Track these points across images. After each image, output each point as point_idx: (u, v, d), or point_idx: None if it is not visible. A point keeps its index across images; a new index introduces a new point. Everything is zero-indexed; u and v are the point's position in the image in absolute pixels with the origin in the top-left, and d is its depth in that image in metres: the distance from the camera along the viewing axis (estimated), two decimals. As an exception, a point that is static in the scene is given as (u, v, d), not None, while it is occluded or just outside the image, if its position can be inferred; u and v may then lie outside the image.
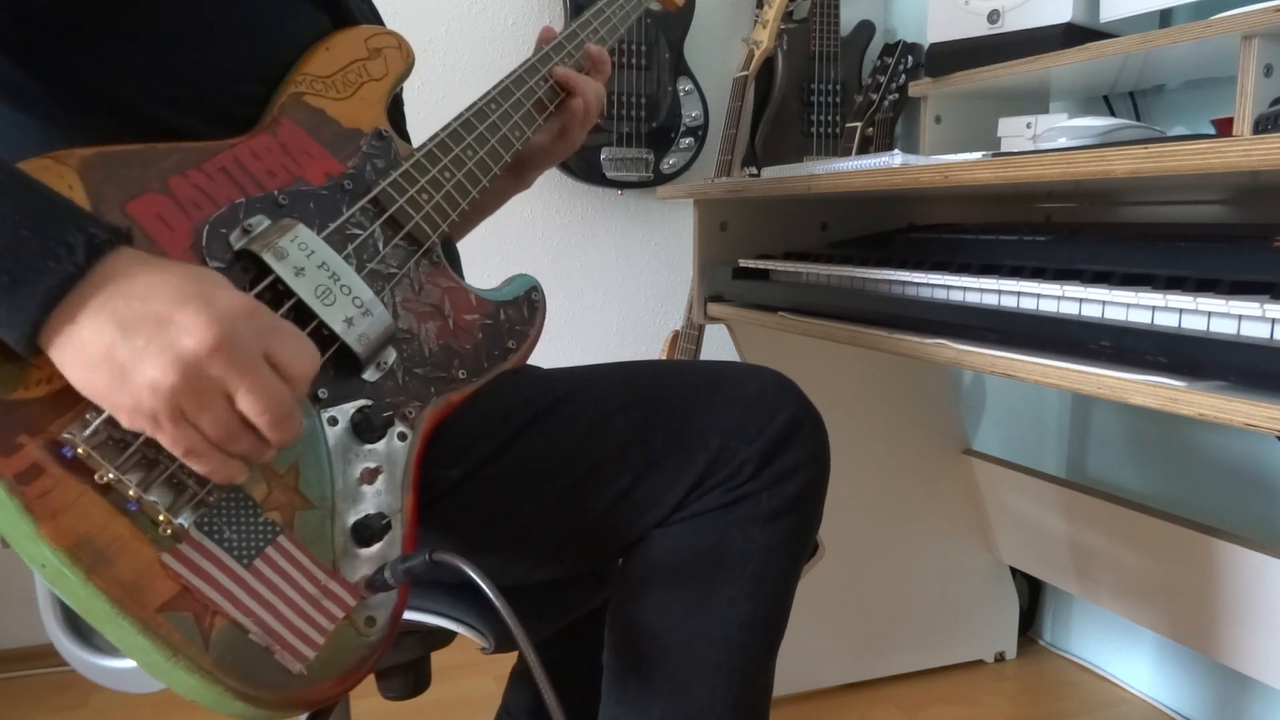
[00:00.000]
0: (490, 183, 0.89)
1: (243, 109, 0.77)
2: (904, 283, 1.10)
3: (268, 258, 0.68)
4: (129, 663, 0.72)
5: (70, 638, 0.76)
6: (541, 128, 0.98)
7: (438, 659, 0.94)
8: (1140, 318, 0.83)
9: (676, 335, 2.11)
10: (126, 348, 0.55)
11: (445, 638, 0.90)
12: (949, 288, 1.03)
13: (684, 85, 2.08)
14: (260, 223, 0.70)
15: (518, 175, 1.07)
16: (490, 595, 0.64)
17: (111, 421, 0.58)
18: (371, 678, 0.81)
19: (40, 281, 0.54)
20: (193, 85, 0.76)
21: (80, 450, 0.56)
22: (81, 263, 0.55)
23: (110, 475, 0.57)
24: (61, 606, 0.77)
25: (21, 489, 0.54)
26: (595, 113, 1.01)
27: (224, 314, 0.57)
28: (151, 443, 0.59)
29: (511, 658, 1.13)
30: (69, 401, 0.57)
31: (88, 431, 0.57)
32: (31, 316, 0.54)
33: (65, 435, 0.56)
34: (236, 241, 0.69)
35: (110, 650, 0.74)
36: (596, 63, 1.02)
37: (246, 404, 0.58)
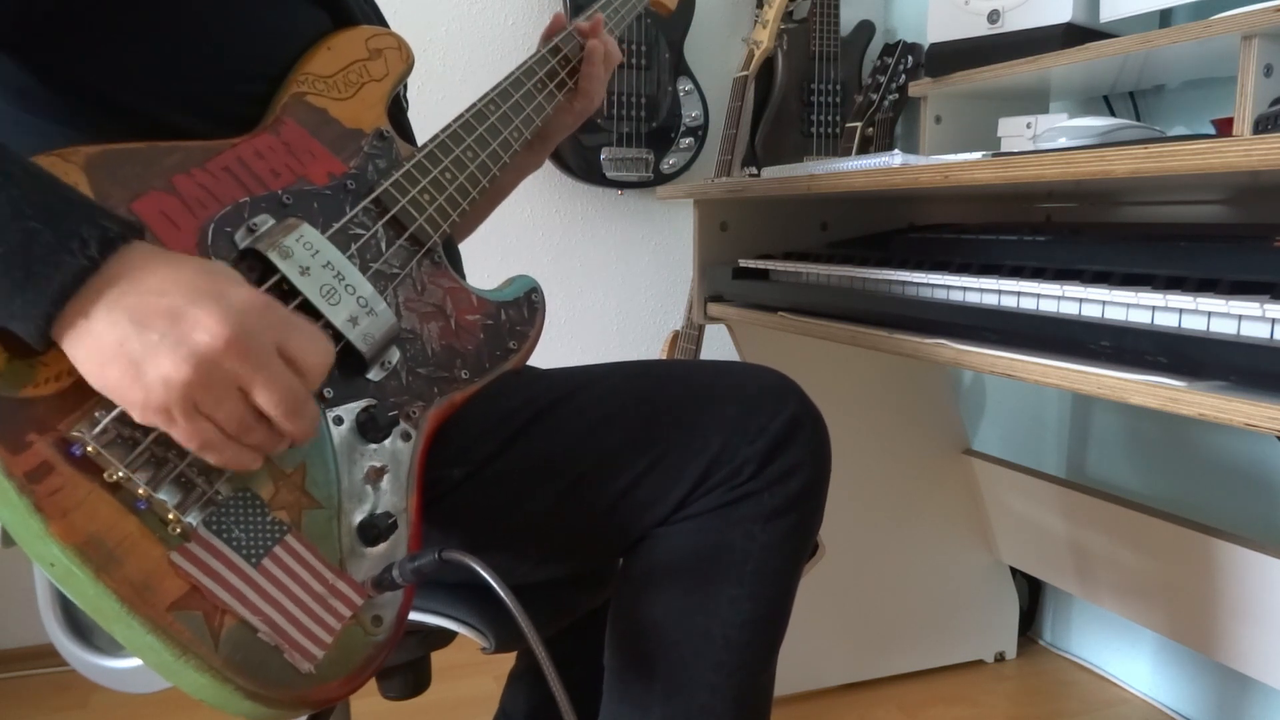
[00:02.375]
0: (490, 184, 0.89)
1: (242, 108, 0.77)
2: (904, 283, 1.10)
3: (273, 257, 0.68)
4: (129, 662, 0.72)
5: (70, 638, 0.76)
6: (551, 113, 0.99)
7: (438, 659, 0.94)
8: (1140, 318, 0.83)
9: (676, 335, 2.11)
10: (139, 342, 0.55)
11: (445, 638, 0.90)
12: (949, 288, 1.03)
13: (684, 85, 2.08)
14: (265, 222, 0.71)
15: (534, 149, 1.08)
16: (500, 593, 0.64)
17: (121, 420, 0.58)
18: (372, 678, 0.81)
19: (55, 276, 0.54)
20: (192, 84, 0.76)
21: (90, 449, 0.57)
22: (95, 256, 0.55)
23: (119, 474, 0.57)
24: (62, 606, 0.77)
25: (31, 487, 0.54)
26: (613, 61, 1.04)
27: (238, 309, 0.57)
28: (161, 441, 0.59)
29: (511, 658, 1.13)
30: (78, 399, 0.57)
31: (97, 430, 0.57)
32: (45, 310, 0.54)
33: (74, 433, 0.57)
34: (242, 240, 0.69)
35: (110, 650, 0.74)
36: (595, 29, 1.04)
37: (263, 399, 0.58)
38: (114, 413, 0.58)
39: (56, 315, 0.55)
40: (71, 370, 0.57)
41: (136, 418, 0.57)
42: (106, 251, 0.56)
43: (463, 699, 1.73)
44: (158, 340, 0.55)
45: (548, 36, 1.02)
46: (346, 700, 0.99)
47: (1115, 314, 0.85)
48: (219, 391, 0.57)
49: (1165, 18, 1.56)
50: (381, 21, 0.95)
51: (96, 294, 0.55)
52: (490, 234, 2.06)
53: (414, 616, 0.85)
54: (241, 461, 0.60)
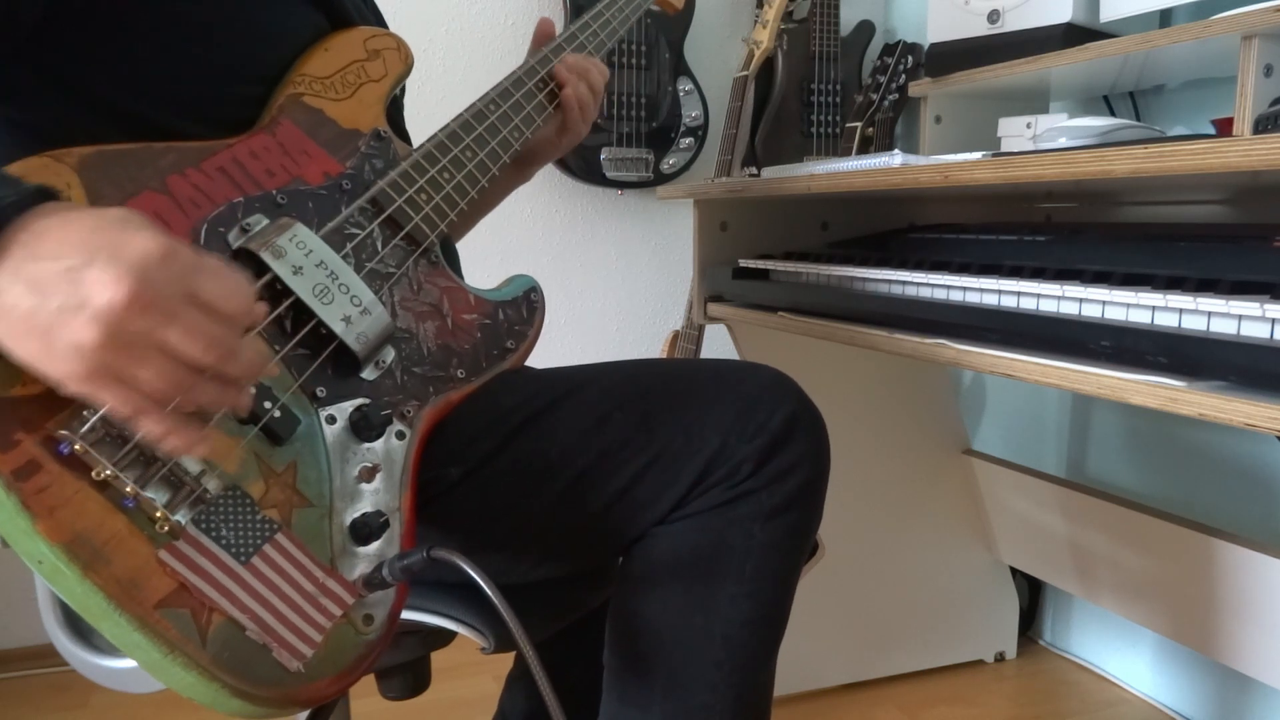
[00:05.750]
0: (489, 183, 0.89)
1: (236, 110, 0.77)
2: (904, 283, 1.10)
3: (265, 256, 0.68)
4: (129, 663, 0.72)
5: (70, 638, 0.76)
6: (543, 125, 0.98)
7: (438, 659, 0.94)
8: (1140, 318, 0.83)
9: (676, 335, 2.11)
10: (44, 311, 0.52)
11: (445, 638, 0.90)
12: (949, 288, 1.03)
13: (684, 85, 2.08)
14: (258, 222, 0.71)
15: (521, 169, 1.07)
16: (487, 590, 0.64)
17: (109, 418, 0.58)
18: (371, 678, 0.81)
19: None
20: (185, 86, 0.76)
21: (77, 447, 0.56)
22: None
23: (107, 472, 0.57)
24: (62, 606, 0.77)
25: (19, 485, 0.54)
26: (591, 105, 1.02)
27: (136, 262, 0.53)
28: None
29: (511, 659, 1.12)
30: (67, 398, 0.57)
31: (85, 428, 0.57)
32: None
33: (63, 432, 0.56)
34: (235, 240, 0.69)
35: (110, 650, 0.74)
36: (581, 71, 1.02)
37: (186, 349, 0.55)
38: (102, 411, 0.58)
39: None
40: None
41: (70, 391, 0.55)
42: None
43: (463, 699, 1.73)
44: (58, 307, 0.52)
45: (538, 43, 1.02)
46: (345, 700, 0.99)
47: (1115, 314, 0.85)
48: (136, 351, 0.53)
49: (1165, 18, 1.55)
50: (381, 22, 0.95)
51: None
52: (490, 234, 2.06)
53: (413, 616, 0.85)
54: (184, 436, 0.57)
